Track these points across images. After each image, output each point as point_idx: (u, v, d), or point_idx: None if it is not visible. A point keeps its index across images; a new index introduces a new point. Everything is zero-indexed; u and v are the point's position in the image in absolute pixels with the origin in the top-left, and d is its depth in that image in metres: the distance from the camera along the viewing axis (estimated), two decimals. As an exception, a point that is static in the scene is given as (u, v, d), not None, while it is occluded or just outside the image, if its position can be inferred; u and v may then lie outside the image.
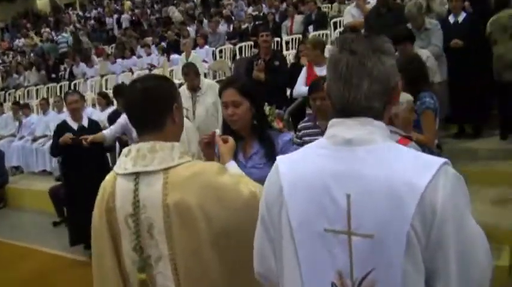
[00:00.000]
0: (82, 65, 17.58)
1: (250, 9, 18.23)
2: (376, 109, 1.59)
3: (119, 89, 8.20)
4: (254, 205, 1.92)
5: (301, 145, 4.37)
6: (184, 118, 2.58)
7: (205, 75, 11.28)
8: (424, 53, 5.96)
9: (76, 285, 6.06)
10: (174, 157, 2.09)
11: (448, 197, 1.44)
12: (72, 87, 15.99)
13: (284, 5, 16.47)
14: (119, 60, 16.59)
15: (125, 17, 23.55)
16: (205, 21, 17.96)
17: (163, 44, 16.63)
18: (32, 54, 22.56)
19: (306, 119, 4.84)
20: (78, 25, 25.91)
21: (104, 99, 10.87)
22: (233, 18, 17.84)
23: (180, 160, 2.09)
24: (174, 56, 14.39)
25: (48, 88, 17.08)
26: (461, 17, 7.41)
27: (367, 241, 1.49)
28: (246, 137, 3.18)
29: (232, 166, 2.47)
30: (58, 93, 15.27)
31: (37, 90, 17.32)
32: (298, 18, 13.91)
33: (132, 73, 15.14)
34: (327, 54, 6.99)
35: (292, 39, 13.19)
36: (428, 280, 1.48)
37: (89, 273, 2.30)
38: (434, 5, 7.94)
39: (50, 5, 34.71)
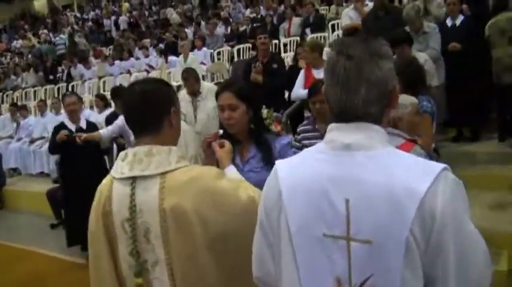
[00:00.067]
0: (80, 66, 17.54)
1: (248, 12, 18.26)
2: (375, 114, 1.59)
3: (116, 91, 8.20)
4: (253, 210, 1.91)
5: (300, 148, 4.40)
6: (182, 121, 2.57)
7: (203, 78, 11.27)
8: (422, 56, 5.96)
9: (73, 288, 6.05)
10: (171, 161, 2.07)
11: (448, 203, 1.43)
12: (70, 89, 15.96)
13: (282, 7, 16.50)
14: (117, 62, 16.57)
15: (123, 19, 23.58)
16: (203, 23, 17.97)
17: (161, 45, 16.62)
18: (29, 56, 22.53)
19: (305, 122, 4.83)
20: (75, 27, 25.88)
21: (101, 101, 10.85)
22: (231, 20, 17.86)
23: (177, 165, 2.08)
24: (172, 58, 14.38)
25: (45, 90, 17.06)
26: (459, 20, 7.41)
27: (366, 246, 1.48)
28: (243, 141, 3.16)
29: (231, 171, 2.46)
30: (56, 95, 15.26)
31: (35, 91, 17.29)
32: (296, 20, 13.93)
33: (130, 75, 15.13)
34: (325, 56, 6.99)
35: (290, 41, 13.21)
36: (427, 285, 1.47)
37: (86, 276, 2.29)
38: (432, 7, 7.95)
39: (48, 7, 34.70)
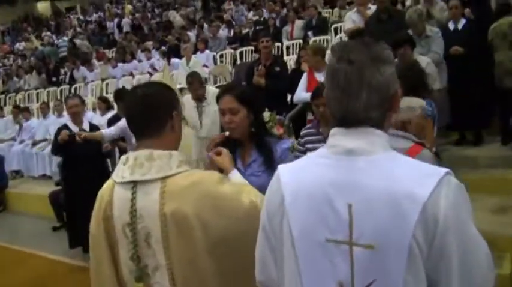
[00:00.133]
0: (82, 69, 17.56)
1: (250, 14, 18.27)
2: (376, 118, 1.58)
3: (119, 94, 8.20)
4: (254, 214, 1.91)
5: (304, 152, 4.40)
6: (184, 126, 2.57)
7: (205, 80, 11.27)
8: (424, 60, 5.96)
9: (74, 291, 6.06)
10: (172, 165, 2.07)
11: (450, 207, 1.43)
12: (72, 91, 15.97)
13: (285, 10, 16.51)
14: (120, 65, 16.58)
15: (126, 21, 23.58)
16: (205, 25, 17.97)
17: (164, 48, 16.63)
18: (32, 58, 22.54)
19: (309, 126, 4.84)
20: (78, 29, 25.90)
21: (104, 104, 10.84)
22: (234, 23, 17.88)
23: (178, 169, 2.07)
24: (174, 60, 14.37)
25: (48, 92, 17.07)
26: (461, 24, 7.42)
27: (369, 251, 1.48)
28: (244, 145, 3.17)
29: (235, 175, 2.45)
30: (58, 97, 15.26)
31: (37, 94, 17.30)
32: (299, 23, 13.95)
33: (133, 77, 15.15)
34: (327, 60, 6.99)
35: (292, 44, 13.21)
36: None
37: (87, 278, 2.29)
38: (435, 11, 7.95)
39: (51, 9, 34.78)
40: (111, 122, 7.88)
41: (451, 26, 7.47)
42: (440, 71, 6.60)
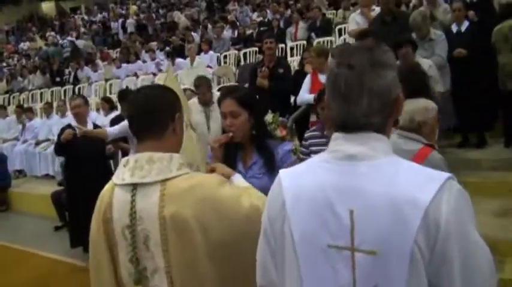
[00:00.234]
0: (86, 69, 17.60)
1: (255, 15, 18.27)
2: (377, 123, 1.57)
3: (124, 94, 8.20)
4: (255, 218, 1.91)
5: (308, 154, 4.40)
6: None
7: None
8: (426, 63, 5.95)
9: (76, 291, 6.05)
10: (172, 168, 2.06)
11: (452, 212, 1.42)
12: (76, 91, 16.00)
13: (289, 11, 16.50)
14: (124, 65, 16.60)
15: (130, 22, 23.60)
16: (210, 26, 17.98)
17: (168, 48, 16.64)
18: (36, 58, 22.61)
19: (313, 128, 4.83)
20: (83, 29, 25.94)
21: (107, 104, 10.86)
22: (238, 23, 17.86)
23: (178, 172, 2.06)
24: (179, 60, 14.35)
25: (52, 92, 17.11)
26: (464, 26, 7.42)
27: (371, 257, 1.47)
28: (245, 147, 3.17)
29: (237, 179, 2.44)
30: (62, 97, 15.29)
31: (41, 93, 17.34)
32: (303, 24, 13.93)
33: (137, 77, 15.16)
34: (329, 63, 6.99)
35: (296, 45, 13.21)
36: None
37: (89, 278, 2.29)
38: (438, 13, 7.93)
39: (56, 9, 34.85)
40: (114, 122, 7.87)
41: (454, 28, 7.47)
42: (443, 74, 6.60)
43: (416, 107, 3.56)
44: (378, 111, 1.56)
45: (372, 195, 1.48)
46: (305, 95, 7.02)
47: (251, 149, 3.15)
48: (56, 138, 8.00)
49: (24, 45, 26.16)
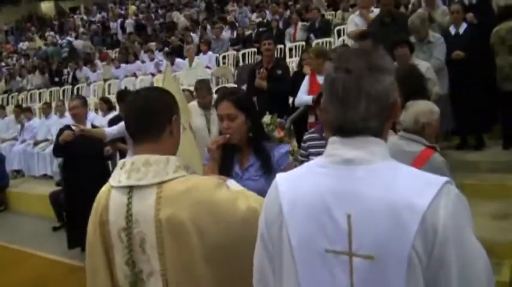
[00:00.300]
0: (85, 69, 17.61)
1: (254, 16, 18.28)
2: (375, 128, 1.57)
3: (122, 95, 8.19)
4: (253, 220, 1.90)
5: (307, 156, 4.40)
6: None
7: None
8: (424, 65, 5.97)
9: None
10: (169, 171, 2.05)
11: (450, 217, 1.42)
12: (75, 91, 16.00)
13: (288, 12, 16.50)
14: (123, 65, 16.60)
15: (129, 22, 23.61)
16: (209, 27, 17.98)
17: (167, 49, 16.64)
18: (35, 58, 22.61)
19: (312, 130, 4.82)
20: (82, 29, 25.94)
21: (105, 104, 10.85)
22: (237, 24, 17.87)
23: (174, 174, 2.06)
24: (179, 61, 14.34)
25: (51, 92, 17.11)
26: (462, 28, 7.43)
27: (368, 261, 1.47)
28: (242, 150, 3.18)
29: (232, 184, 2.44)
30: (61, 97, 15.31)
31: (40, 93, 17.33)
32: (302, 25, 13.94)
33: (136, 78, 15.16)
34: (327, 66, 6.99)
35: (295, 46, 13.22)
36: None
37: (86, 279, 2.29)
38: (436, 15, 7.93)
39: (55, 9, 34.84)
40: (112, 123, 7.87)
41: (452, 30, 7.47)
42: (441, 77, 6.61)
43: (421, 109, 3.59)
44: (375, 115, 1.55)
45: (369, 199, 1.48)
46: (303, 97, 7.01)
47: (248, 152, 3.16)
48: (54, 138, 7.99)
49: (23, 45, 26.15)
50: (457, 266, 1.42)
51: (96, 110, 12.53)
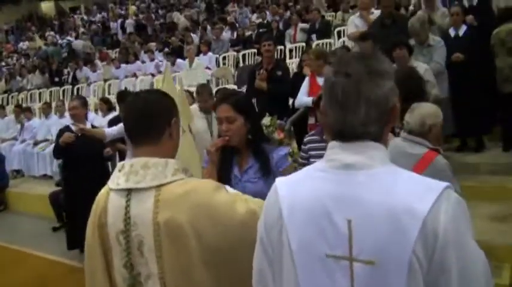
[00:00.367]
0: (85, 69, 17.61)
1: (254, 17, 18.29)
2: (374, 132, 1.57)
3: (122, 95, 8.19)
4: (252, 223, 1.89)
5: (307, 158, 4.39)
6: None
7: (208, 82, 11.24)
8: (422, 67, 5.96)
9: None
10: (167, 174, 2.05)
11: (450, 221, 1.42)
12: (75, 91, 15.99)
13: (288, 13, 16.51)
14: (123, 65, 16.60)
15: (129, 22, 23.61)
16: (209, 27, 17.98)
17: (167, 49, 16.64)
18: (35, 58, 22.60)
19: (312, 132, 4.82)
20: (82, 29, 25.94)
21: (105, 105, 10.85)
22: (237, 25, 17.88)
23: (173, 177, 2.05)
24: (179, 61, 14.34)
25: (51, 92, 17.11)
26: (462, 30, 7.43)
27: (369, 267, 1.47)
28: (241, 152, 3.18)
29: (228, 189, 2.44)
30: (61, 97, 15.30)
31: (40, 93, 17.33)
32: (302, 26, 13.95)
33: (136, 78, 15.15)
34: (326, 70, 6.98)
35: (295, 47, 13.21)
36: None
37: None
38: (436, 17, 7.92)
39: (55, 9, 34.85)
40: (112, 123, 7.87)
41: (452, 32, 7.47)
42: (441, 81, 6.60)
43: (427, 111, 3.60)
44: (375, 120, 1.55)
45: (369, 204, 1.48)
46: (303, 98, 7.01)
47: (247, 154, 3.16)
48: (54, 138, 7.99)
49: (23, 45, 26.15)
50: (457, 270, 1.42)
51: (96, 111, 12.52)
